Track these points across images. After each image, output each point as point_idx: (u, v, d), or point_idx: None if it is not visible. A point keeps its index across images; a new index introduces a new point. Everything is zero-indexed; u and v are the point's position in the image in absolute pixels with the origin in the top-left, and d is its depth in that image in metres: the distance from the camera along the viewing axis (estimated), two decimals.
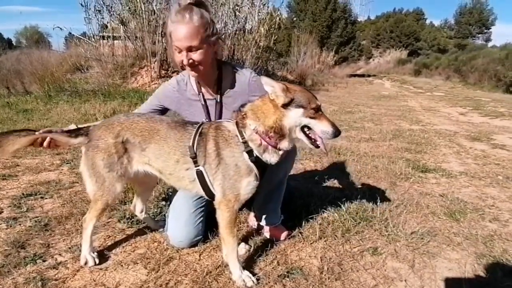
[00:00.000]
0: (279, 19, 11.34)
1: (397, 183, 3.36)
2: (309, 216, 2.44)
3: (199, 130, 1.78)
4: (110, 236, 2.24)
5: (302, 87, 1.81)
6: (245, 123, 1.73)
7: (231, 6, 9.59)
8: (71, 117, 5.85)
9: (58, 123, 5.40)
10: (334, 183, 3.32)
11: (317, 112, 1.68)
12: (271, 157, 1.73)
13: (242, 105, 1.84)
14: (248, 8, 10.34)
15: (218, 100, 2.08)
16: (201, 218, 2.12)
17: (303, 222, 2.38)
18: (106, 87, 8.27)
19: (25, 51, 13.89)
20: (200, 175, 1.76)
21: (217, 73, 2.05)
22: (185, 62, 1.86)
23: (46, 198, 2.80)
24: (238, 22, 10.19)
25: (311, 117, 1.66)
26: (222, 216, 1.77)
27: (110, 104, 6.71)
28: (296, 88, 1.72)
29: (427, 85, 20.22)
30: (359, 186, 3.21)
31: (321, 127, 1.66)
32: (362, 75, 28.00)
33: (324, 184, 3.27)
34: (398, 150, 4.71)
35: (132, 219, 2.41)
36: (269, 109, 1.69)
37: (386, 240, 2.26)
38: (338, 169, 3.70)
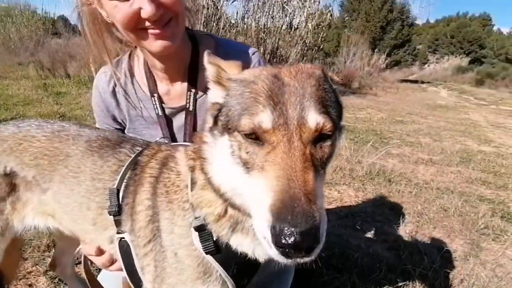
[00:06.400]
0: (330, 15, 10.31)
1: (480, 244, 2.22)
2: None
3: (138, 158, 0.90)
4: None
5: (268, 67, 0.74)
6: (195, 161, 0.80)
7: None
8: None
9: (84, 108, 5.04)
10: (380, 234, 2.27)
11: (264, 142, 0.62)
12: (250, 244, 0.77)
13: None
14: (297, 2, 9.42)
15: (191, 107, 1.13)
16: None
17: None
18: None
19: None
20: (124, 248, 0.87)
21: (191, 53, 1.13)
22: (148, 12, 0.89)
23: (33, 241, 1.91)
24: (286, 16, 9.39)
25: (247, 164, 0.62)
26: None
27: None
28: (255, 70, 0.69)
29: (491, 97, 17.81)
30: (422, 243, 2.13)
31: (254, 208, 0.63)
32: (415, 81, 25.55)
33: (368, 235, 2.24)
34: (471, 182, 3.50)
35: None
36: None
37: None
38: (387, 207, 2.63)
